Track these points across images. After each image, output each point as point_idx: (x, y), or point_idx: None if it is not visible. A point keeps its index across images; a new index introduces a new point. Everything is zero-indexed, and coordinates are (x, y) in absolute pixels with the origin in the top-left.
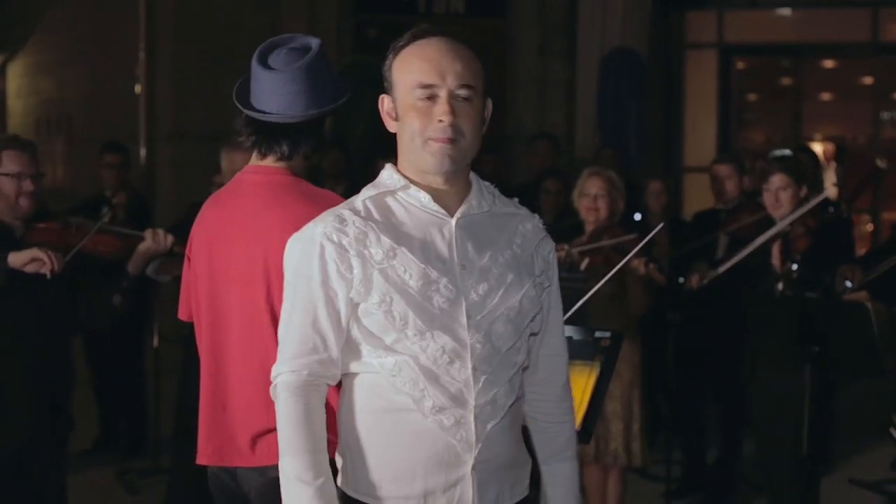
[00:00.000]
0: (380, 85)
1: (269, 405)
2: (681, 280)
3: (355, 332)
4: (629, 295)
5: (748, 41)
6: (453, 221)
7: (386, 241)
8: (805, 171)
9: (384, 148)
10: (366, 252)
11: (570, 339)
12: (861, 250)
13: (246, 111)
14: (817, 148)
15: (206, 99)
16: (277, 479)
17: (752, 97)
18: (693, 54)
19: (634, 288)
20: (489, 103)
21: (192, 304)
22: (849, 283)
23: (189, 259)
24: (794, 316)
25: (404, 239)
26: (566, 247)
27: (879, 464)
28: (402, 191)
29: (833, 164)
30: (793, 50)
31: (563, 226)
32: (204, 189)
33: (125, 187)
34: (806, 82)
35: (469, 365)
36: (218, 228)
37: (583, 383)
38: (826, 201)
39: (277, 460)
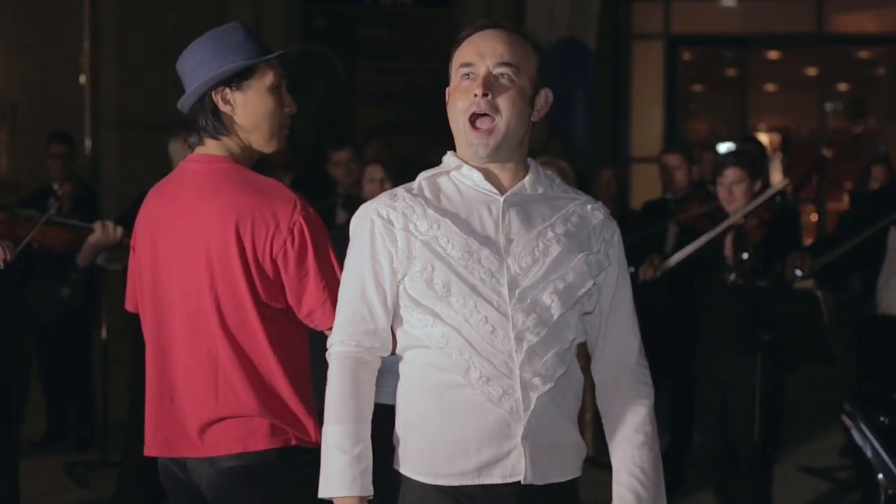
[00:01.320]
0: (328, 75)
1: (218, 394)
2: (630, 269)
3: (404, 304)
4: None
5: (694, 32)
6: (502, 199)
7: (432, 214)
8: (759, 166)
9: (333, 137)
10: (410, 225)
11: None
12: (807, 240)
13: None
14: (763, 138)
15: (152, 88)
16: (228, 469)
17: (697, 88)
18: (640, 45)
19: None
20: (547, 94)
21: (138, 294)
22: (798, 272)
23: (134, 249)
24: (745, 304)
25: (450, 213)
26: None
27: (829, 451)
28: (456, 170)
29: (779, 155)
30: (738, 41)
31: None
32: (150, 178)
33: (71, 177)
34: (751, 73)
35: (511, 335)
36: (161, 218)
37: None
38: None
39: (226, 450)
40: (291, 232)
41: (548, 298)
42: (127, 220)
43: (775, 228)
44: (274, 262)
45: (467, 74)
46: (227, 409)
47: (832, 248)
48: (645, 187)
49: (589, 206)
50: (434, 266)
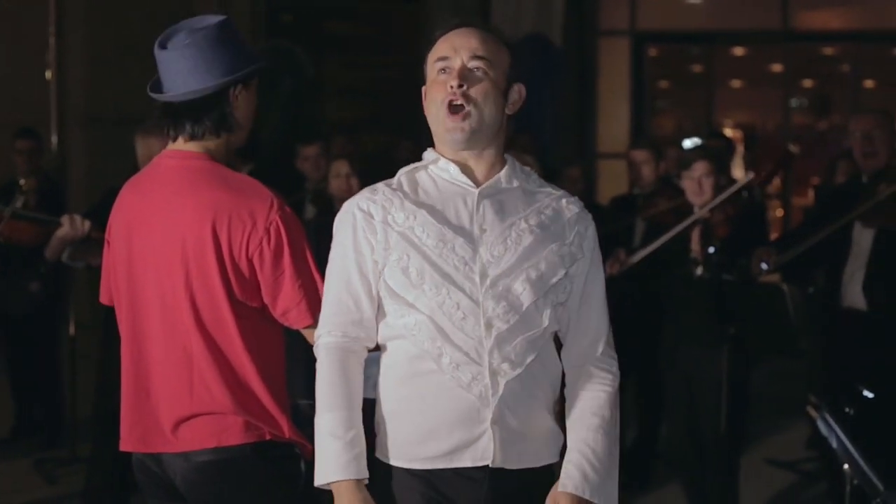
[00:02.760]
0: (294, 69)
1: (193, 390)
2: None
3: (384, 296)
4: None
5: (660, 29)
6: (476, 191)
7: (409, 206)
8: (726, 160)
9: (300, 133)
10: (389, 217)
11: None
12: (773, 235)
13: (151, 94)
14: (728, 134)
15: (119, 83)
16: (201, 463)
17: (663, 84)
18: (606, 41)
19: None
20: (520, 88)
21: (113, 288)
22: (764, 266)
23: (108, 243)
24: (712, 298)
25: (426, 205)
26: None
27: (795, 443)
28: (434, 164)
29: (741, 150)
30: (704, 37)
31: None
32: (117, 175)
33: (37, 173)
34: (717, 69)
35: (482, 322)
36: (136, 213)
37: None
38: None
39: (200, 445)
40: (268, 231)
41: (519, 286)
42: (95, 215)
43: (742, 223)
44: (250, 260)
45: (443, 69)
46: (202, 405)
47: (797, 242)
48: (611, 183)
49: (564, 200)
50: (409, 255)
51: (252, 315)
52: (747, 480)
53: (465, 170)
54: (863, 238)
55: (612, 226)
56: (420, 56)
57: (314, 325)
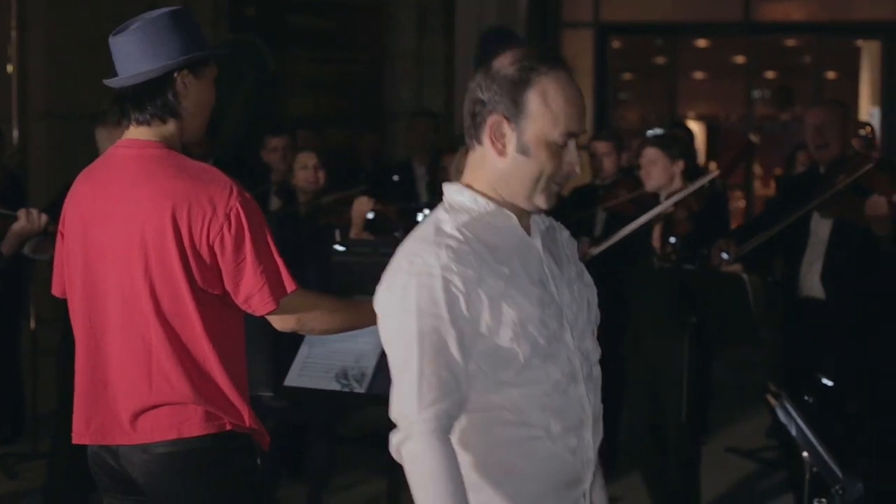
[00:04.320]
0: (257, 63)
1: (152, 381)
2: None
3: (480, 368)
4: None
5: (623, 21)
6: (538, 242)
7: (502, 269)
8: (682, 147)
9: (263, 127)
10: (488, 282)
11: None
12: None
13: (104, 82)
14: (692, 126)
15: (81, 78)
16: (161, 455)
17: (627, 76)
18: (569, 33)
19: None
20: None
21: (66, 280)
22: (725, 256)
23: (62, 235)
24: (673, 287)
25: (513, 265)
26: None
27: (756, 432)
28: (491, 214)
29: (703, 141)
30: (667, 29)
31: None
32: (78, 170)
33: None
34: (680, 61)
35: (581, 384)
36: (91, 204)
37: None
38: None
39: (160, 437)
40: (228, 217)
41: (590, 343)
42: (54, 209)
43: (703, 214)
44: (211, 247)
45: (568, 141)
46: (161, 396)
47: (757, 233)
48: None
49: (565, 234)
50: (520, 329)
51: (213, 303)
52: (708, 469)
53: (518, 216)
54: (820, 228)
55: (574, 216)
56: (382, 48)
57: (278, 310)
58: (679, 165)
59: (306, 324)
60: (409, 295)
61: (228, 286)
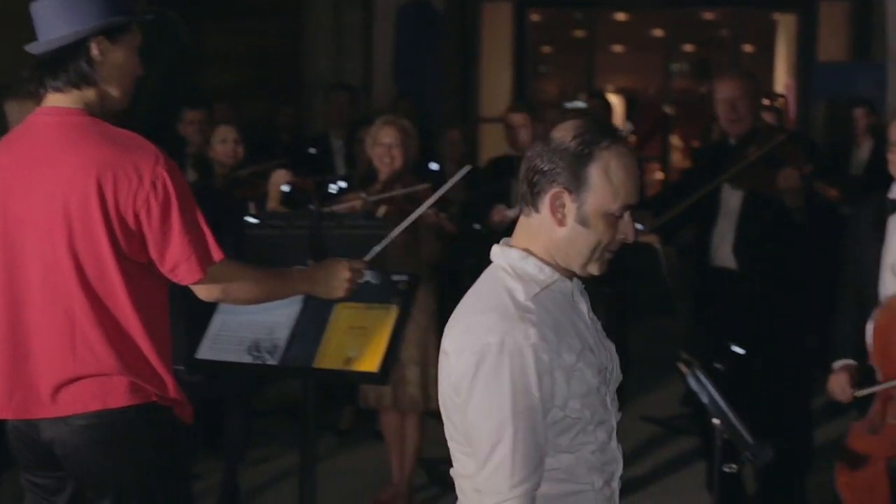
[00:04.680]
0: (173, 37)
1: (76, 352)
2: (476, 227)
3: (546, 436)
4: (422, 243)
5: None
6: (584, 306)
7: (574, 343)
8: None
9: (179, 99)
10: (563, 357)
11: (367, 283)
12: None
13: (25, 48)
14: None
15: None
16: (82, 427)
17: (546, 49)
18: (488, 7)
19: (426, 237)
20: None
21: None
22: (639, 227)
23: None
24: None
25: (578, 336)
26: (363, 195)
27: (670, 400)
28: (555, 283)
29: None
30: (586, 2)
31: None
32: None
33: None
34: (598, 34)
35: (615, 440)
36: (11, 173)
37: (381, 326)
38: None
39: (83, 408)
40: (154, 185)
41: (610, 400)
42: None
43: None
44: (136, 215)
45: (624, 213)
46: (85, 367)
47: (671, 203)
48: (494, 146)
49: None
50: (585, 400)
51: (138, 271)
52: (622, 437)
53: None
54: (731, 200)
55: (490, 187)
56: (300, 20)
57: (205, 279)
58: None
59: (231, 293)
60: (503, 375)
61: (154, 255)
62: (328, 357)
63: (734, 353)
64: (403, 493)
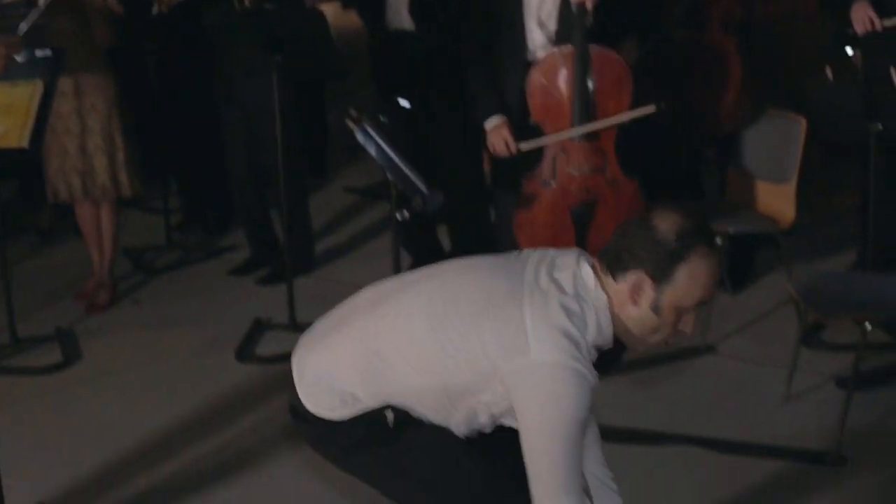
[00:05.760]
0: None
1: None
2: (154, 10)
3: None
4: (93, 28)
5: None
6: None
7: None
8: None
9: None
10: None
11: (13, 59)
12: None
13: None
14: None
15: None
16: None
17: None
18: None
19: (96, 21)
20: None
21: None
22: None
23: None
24: (257, 29)
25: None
26: None
27: (371, 172)
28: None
29: None
30: None
31: None
32: None
33: None
34: None
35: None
36: None
37: (28, 102)
38: None
39: None
40: None
41: None
42: None
43: None
44: None
45: (697, 308)
46: None
47: None
48: None
49: None
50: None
51: None
52: (325, 207)
53: None
54: None
55: None
56: None
57: None
58: None
59: None
60: (571, 395)
61: None
62: None
63: (402, 106)
64: (107, 283)
